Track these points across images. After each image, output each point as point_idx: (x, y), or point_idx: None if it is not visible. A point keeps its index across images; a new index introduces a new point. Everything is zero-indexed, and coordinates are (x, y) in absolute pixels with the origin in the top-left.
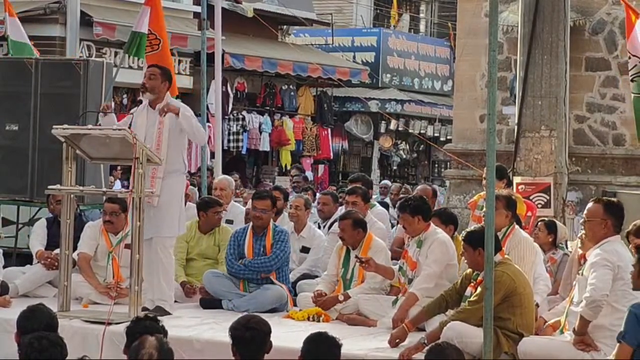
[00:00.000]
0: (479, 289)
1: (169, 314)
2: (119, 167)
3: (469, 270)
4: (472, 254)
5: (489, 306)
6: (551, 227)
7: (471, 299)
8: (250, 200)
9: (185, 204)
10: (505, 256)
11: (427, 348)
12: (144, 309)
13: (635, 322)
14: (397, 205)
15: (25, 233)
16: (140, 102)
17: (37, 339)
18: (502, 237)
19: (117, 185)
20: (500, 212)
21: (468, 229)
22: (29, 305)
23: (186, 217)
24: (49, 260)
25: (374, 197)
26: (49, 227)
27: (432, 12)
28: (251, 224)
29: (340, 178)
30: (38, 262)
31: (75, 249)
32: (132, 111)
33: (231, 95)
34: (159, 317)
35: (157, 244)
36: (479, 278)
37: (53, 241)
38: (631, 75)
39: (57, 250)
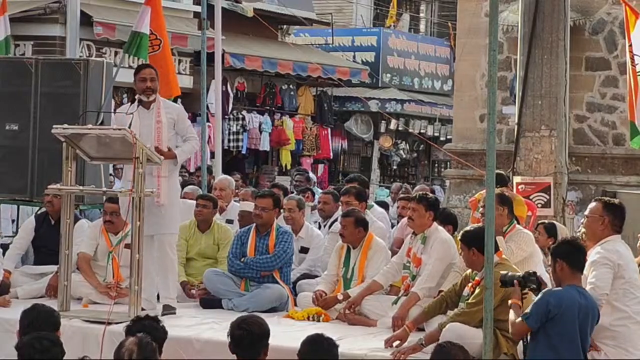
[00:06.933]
0: (477, 289)
1: (175, 310)
2: None
3: (469, 271)
4: (466, 253)
5: (489, 306)
6: (551, 231)
7: (469, 300)
8: (242, 200)
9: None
10: (503, 256)
11: (432, 348)
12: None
13: (544, 309)
14: (414, 196)
15: None
16: (140, 101)
17: (38, 340)
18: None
19: (118, 184)
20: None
21: (464, 229)
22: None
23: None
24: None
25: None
26: (37, 228)
27: (432, 12)
28: (255, 224)
29: (340, 178)
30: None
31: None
32: (128, 110)
33: (231, 95)
34: (163, 316)
35: (165, 243)
36: (477, 278)
37: (43, 242)
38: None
39: (54, 267)
